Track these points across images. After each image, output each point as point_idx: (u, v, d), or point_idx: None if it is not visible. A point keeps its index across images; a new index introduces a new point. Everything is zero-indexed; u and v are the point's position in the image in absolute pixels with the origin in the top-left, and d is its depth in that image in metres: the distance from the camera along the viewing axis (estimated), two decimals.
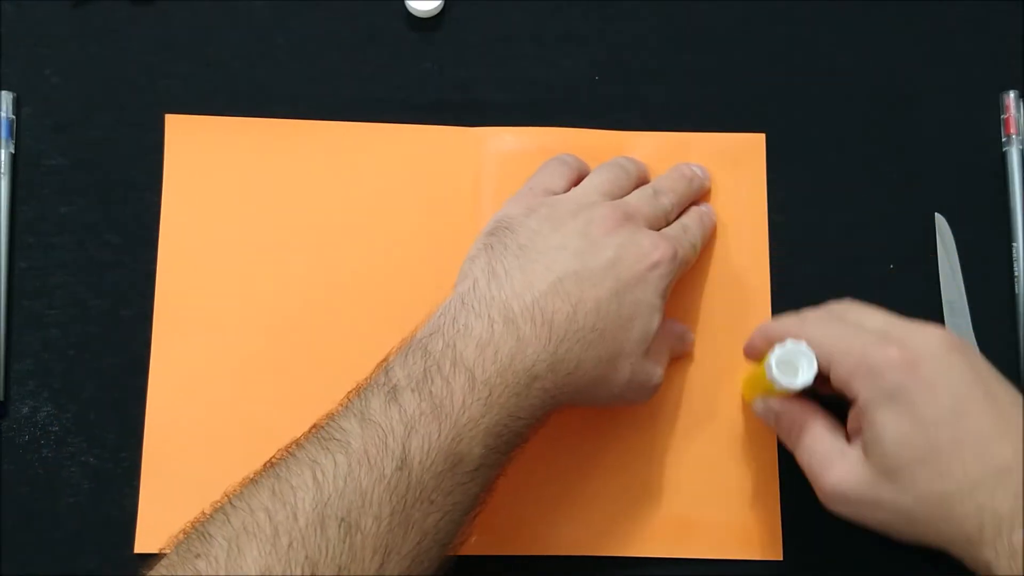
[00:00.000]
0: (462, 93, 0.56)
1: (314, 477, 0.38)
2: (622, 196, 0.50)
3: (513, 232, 0.46)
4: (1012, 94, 0.56)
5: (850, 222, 0.55)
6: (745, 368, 0.52)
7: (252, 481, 0.39)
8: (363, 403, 0.40)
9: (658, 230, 0.49)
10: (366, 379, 0.42)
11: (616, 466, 0.51)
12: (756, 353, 0.49)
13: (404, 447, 0.39)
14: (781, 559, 0.51)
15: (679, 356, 0.52)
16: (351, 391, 0.42)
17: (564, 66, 0.57)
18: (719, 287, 0.54)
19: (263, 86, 0.55)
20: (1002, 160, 0.56)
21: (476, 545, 0.50)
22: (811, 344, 0.44)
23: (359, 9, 0.57)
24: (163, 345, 0.52)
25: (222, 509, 0.38)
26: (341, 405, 0.41)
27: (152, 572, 0.38)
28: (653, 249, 0.46)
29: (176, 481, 0.50)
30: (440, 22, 0.57)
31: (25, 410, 0.51)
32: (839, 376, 0.44)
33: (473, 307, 0.43)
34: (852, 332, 0.44)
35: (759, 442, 0.52)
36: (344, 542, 0.37)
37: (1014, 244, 0.55)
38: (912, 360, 0.42)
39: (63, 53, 0.55)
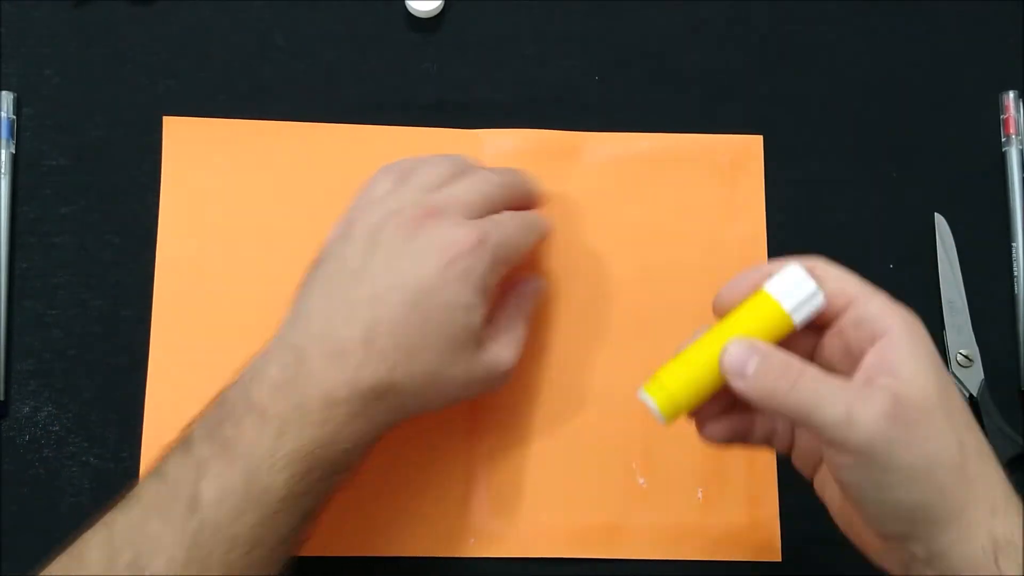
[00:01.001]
0: (462, 93, 0.56)
1: (106, 536, 0.40)
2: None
3: (324, 263, 0.45)
4: (1012, 94, 0.56)
5: (850, 222, 0.55)
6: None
7: (60, 551, 0.41)
8: (162, 463, 0.41)
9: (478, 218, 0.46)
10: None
11: (616, 467, 0.52)
12: (732, 298, 0.42)
13: (194, 490, 0.39)
14: (780, 560, 0.51)
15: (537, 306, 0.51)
16: (157, 456, 0.42)
17: (564, 66, 0.57)
18: (718, 288, 0.53)
19: (263, 86, 0.55)
20: (1002, 160, 0.56)
21: (475, 547, 0.50)
22: (820, 281, 0.40)
23: (359, 9, 0.57)
24: (161, 346, 0.52)
25: None
26: (147, 470, 0.42)
27: None
28: (452, 244, 0.43)
29: None
30: (440, 22, 0.57)
31: (26, 410, 0.51)
32: (868, 310, 0.39)
33: (272, 354, 0.43)
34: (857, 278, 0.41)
35: None
36: None
37: (1014, 244, 0.55)
38: None
39: (63, 53, 0.55)
